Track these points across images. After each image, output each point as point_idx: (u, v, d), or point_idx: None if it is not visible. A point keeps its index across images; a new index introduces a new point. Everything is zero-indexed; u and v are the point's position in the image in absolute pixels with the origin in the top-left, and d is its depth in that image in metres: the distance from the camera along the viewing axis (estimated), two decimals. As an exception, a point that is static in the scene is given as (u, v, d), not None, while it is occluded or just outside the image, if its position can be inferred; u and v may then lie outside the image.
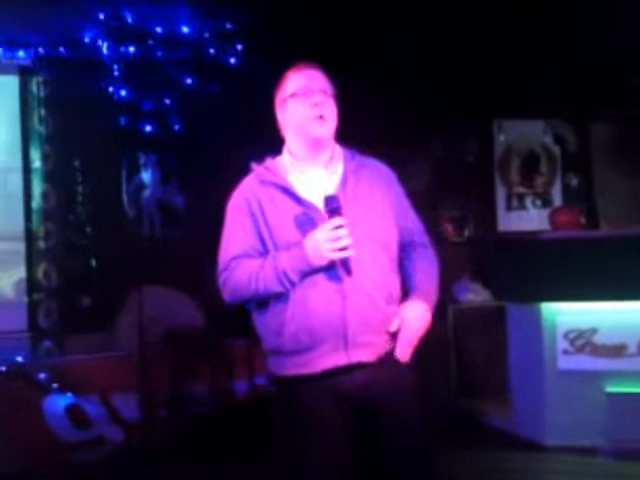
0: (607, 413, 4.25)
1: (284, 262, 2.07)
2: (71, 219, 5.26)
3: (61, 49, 5.12)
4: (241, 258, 2.15)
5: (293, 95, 2.18)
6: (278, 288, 2.09)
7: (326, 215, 2.08)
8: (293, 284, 2.08)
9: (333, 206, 2.06)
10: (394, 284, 2.20)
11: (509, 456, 4.34)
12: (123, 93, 5.17)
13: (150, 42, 5.26)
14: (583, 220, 4.96)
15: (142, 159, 5.39)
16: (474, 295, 5.70)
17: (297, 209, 2.13)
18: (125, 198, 5.36)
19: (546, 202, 6.71)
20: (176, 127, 5.28)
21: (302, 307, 2.08)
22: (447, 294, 5.60)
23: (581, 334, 4.32)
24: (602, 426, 4.25)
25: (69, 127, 5.15)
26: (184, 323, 5.13)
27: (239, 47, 5.39)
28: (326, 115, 2.16)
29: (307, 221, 2.11)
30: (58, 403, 4.49)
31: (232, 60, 5.39)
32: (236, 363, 4.96)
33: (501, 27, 5.40)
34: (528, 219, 6.57)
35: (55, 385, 4.57)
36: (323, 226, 2.06)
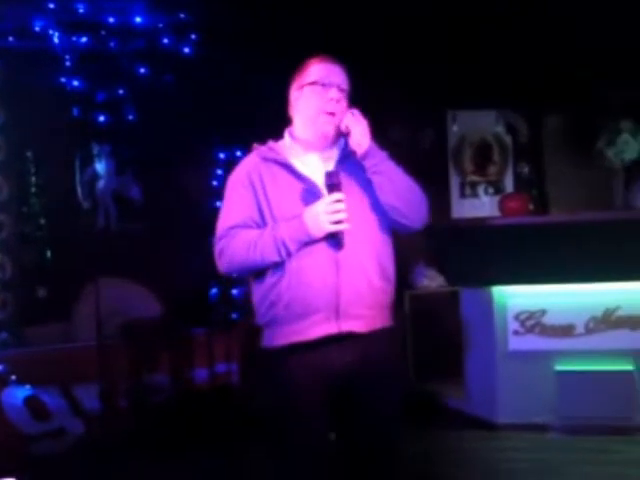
0: (557, 391, 4.37)
1: (283, 232, 2.16)
2: (25, 211, 5.21)
3: (10, 39, 5.04)
4: (239, 228, 2.23)
5: (313, 83, 2.28)
6: (275, 257, 2.16)
7: (325, 191, 2.20)
8: (289, 254, 2.16)
9: (333, 181, 2.18)
10: (387, 261, 2.31)
11: (465, 435, 4.44)
12: (75, 83, 5.11)
13: (103, 32, 5.22)
14: (532, 206, 5.08)
15: (96, 150, 5.35)
16: (429, 281, 5.80)
17: (297, 185, 2.24)
18: (79, 189, 5.32)
19: (498, 190, 6.85)
20: (130, 117, 5.25)
21: (297, 278, 2.17)
22: (403, 280, 5.70)
23: (531, 315, 4.42)
24: (552, 403, 4.37)
25: (21, 118, 5.07)
26: (142, 314, 5.12)
27: (193, 37, 5.37)
28: (337, 112, 2.26)
29: (307, 196, 2.22)
30: (16, 395, 4.44)
31: (186, 50, 5.37)
32: (196, 352, 4.98)
33: (456, 19, 5.46)
34: (481, 206, 6.70)
35: (13, 377, 4.53)
36: (323, 199, 2.17)
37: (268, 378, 2.32)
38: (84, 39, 5.15)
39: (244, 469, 4.08)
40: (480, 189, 6.82)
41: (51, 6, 5.03)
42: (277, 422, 2.29)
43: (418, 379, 5.40)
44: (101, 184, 5.42)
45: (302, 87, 2.30)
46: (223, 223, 2.26)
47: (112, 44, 5.25)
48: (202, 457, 4.26)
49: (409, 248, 5.77)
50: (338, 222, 2.15)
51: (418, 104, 6.08)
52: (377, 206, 2.27)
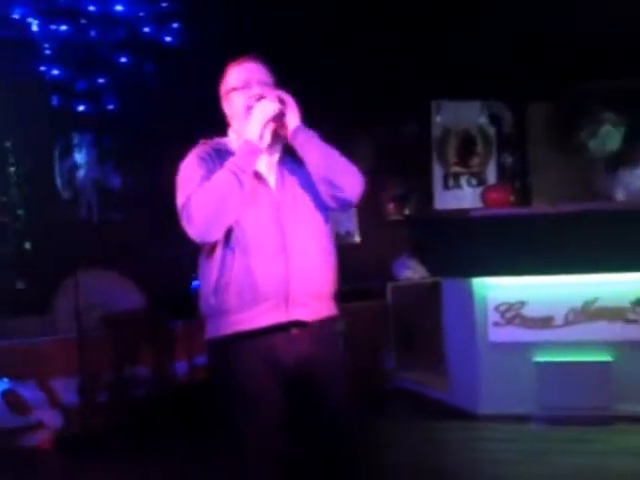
0: (536, 382, 4.41)
1: (232, 158, 2.21)
2: (4, 201, 5.16)
3: (-11, 26, 4.99)
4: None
5: (234, 89, 2.33)
6: (234, 183, 2.17)
7: (272, 187, 2.28)
8: (246, 174, 2.18)
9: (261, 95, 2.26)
10: (332, 253, 2.36)
11: (446, 426, 4.47)
12: (55, 72, 5.06)
13: (83, 21, 5.16)
14: (513, 198, 5.10)
15: (76, 139, 5.31)
16: (412, 272, 5.81)
17: None
18: (59, 179, 5.28)
19: (481, 181, 6.87)
20: (110, 107, 5.20)
21: (247, 267, 2.19)
22: (386, 272, 5.72)
23: (511, 307, 4.44)
24: (532, 394, 4.40)
25: (0, 107, 5.03)
26: (124, 306, 5.09)
27: (175, 26, 5.32)
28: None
29: (255, 185, 2.24)
30: (-6, 389, 4.43)
31: (168, 39, 5.33)
32: (176, 344, 4.96)
33: (439, 9, 5.45)
34: (464, 198, 6.71)
35: (-10, 370, 4.51)
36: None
37: (216, 369, 2.32)
38: (64, 27, 5.08)
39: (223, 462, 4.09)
40: (463, 180, 6.84)
41: (30, -8, 4.97)
42: (229, 412, 2.28)
43: (400, 370, 5.42)
44: (82, 174, 5.38)
45: (227, 94, 2.37)
46: (183, 193, 2.24)
47: (93, 33, 5.18)
48: (184, 449, 4.25)
49: (395, 239, 5.82)
50: (268, 116, 2.22)
51: (401, 95, 6.07)
52: (319, 201, 2.32)
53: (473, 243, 4.41)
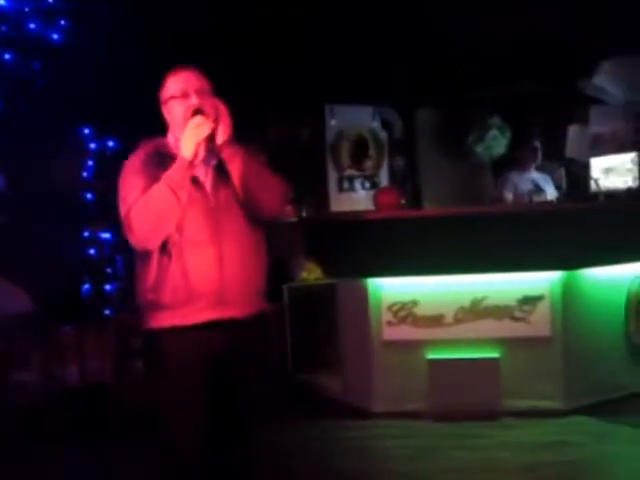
0: (428, 379, 4.52)
1: (169, 172, 2.30)
2: None
3: None
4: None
5: (172, 97, 2.43)
6: (171, 197, 2.27)
7: (208, 191, 2.38)
8: (181, 189, 2.28)
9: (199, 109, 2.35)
10: (261, 250, 2.52)
11: (342, 424, 4.50)
12: None
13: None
14: (403, 200, 5.21)
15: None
16: (308, 273, 5.85)
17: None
18: (-62, 180, 5.00)
19: (374, 184, 7.01)
20: (-6, 105, 4.98)
21: (182, 266, 2.33)
22: (283, 273, 5.73)
23: (403, 306, 4.53)
24: (424, 391, 4.50)
25: None
26: (10, 310, 4.88)
27: (62, 22, 5.15)
28: (204, 113, 2.35)
29: (193, 190, 2.34)
30: None
31: (55, 36, 5.14)
32: (66, 349, 4.83)
33: (331, 16, 5.50)
34: (358, 200, 6.83)
35: None
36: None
37: (150, 357, 2.51)
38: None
39: (117, 468, 3.99)
40: (357, 183, 6.95)
41: None
42: (160, 395, 2.46)
43: (296, 370, 5.44)
44: (-37, 175, 5.12)
45: (166, 102, 2.46)
46: (125, 203, 2.33)
47: (-26, 28, 4.95)
48: (73, 457, 4.13)
49: (290, 241, 5.83)
50: (204, 136, 2.30)
51: (296, 99, 6.11)
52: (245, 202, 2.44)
53: (367, 244, 4.47)
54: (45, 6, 5.12)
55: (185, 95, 2.40)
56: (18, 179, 5.17)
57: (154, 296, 2.37)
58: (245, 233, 2.43)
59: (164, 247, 2.33)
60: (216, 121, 2.34)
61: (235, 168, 2.37)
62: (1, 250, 4.85)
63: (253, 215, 2.44)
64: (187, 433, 2.38)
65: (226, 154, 2.37)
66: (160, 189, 2.27)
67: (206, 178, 2.41)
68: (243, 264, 2.40)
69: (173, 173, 2.29)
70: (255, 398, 2.57)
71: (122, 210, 2.35)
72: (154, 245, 2.31)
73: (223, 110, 2.36)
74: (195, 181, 2.36)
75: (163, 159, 2.37)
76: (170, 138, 2.48)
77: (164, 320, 2.38)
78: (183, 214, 2.31)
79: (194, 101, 2.37)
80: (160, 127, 2.52)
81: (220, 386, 2.43)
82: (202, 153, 2.33)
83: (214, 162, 2.42)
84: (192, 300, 2.34)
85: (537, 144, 5.96)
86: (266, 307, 2.57)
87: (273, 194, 2.46)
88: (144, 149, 2.45)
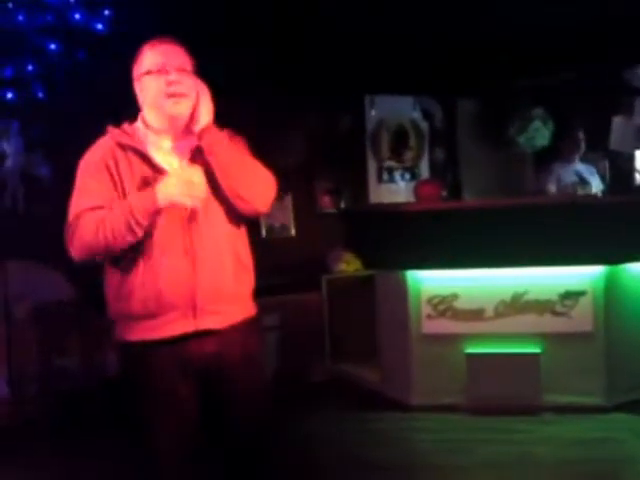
0: (466, 373, 4.49)
1: (131, 200, 2.07)
2: None
3: None
4: (93, 210, 2.10)
5: (148, 72, 2.16)
6: (126, 231, 2.05)
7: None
8: (141, 227, 2.04)
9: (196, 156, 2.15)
10: (244, 250, 2.26)
11: (380, 417, 4.51)
12: (-19, 59, 4.88)
13: (10, 5, 4.98)
14: (445, 192, 5.18)
15: (2, 127, 5.13)
16: (346, 265, 5.85)
17: (151, 174, 2.14)
18: (-18, 168, 5.10)
19: (414, 175, 6.95)
20: (40, 95, 5.04)
21: (152, 274, 2.10)
22: (321, 265, 5.74)
23: (443, 299, 4.51)
24: (462, 385, 4.49)
25: None
26: (52, 298, 4.98)
27: (106, 13, 5.19)
28: (182, 93, 2.14)
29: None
30: None
31: (99, 26, 5.19)
32: (106, 337, 4.89)
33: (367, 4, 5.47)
34: (397, 192, 6.79)
35: None
36: (180, 170, 2.09)
37: (125, 371, 2.27)
38: (-11, 12, 4.90)
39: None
40: (397, 174, 6.91)
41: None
42: (139, 414, 2.23)
43: (335, 362, 5.45)
44: (8, 163, 5.21)
45: (140, 77, 2.19)
46: (75, 208, 2.13)
47: (20, 18, 5.01)
48: (114, 443, 4.18)
49: (329, 232, 5.84)
50: (192, 197, 2.06)
51: (336, 89, 6.09)
52: (232, 204, 2.19)
53: (406, 237, 4.46)
54: (90, -4, 5.17)
55: (163, 70, 2.13)
56: (62, 169, 5.25)
57: (122, 305, 2.14)
58: (225, 235, 2.18)
59: (131, 251, 2.09)
60: (196, 103, 2.12)
61: (216, 159, 2.12)
62: (43, 239, 4.94)
63: (236, 212, 2.19)
64: (167, 450, 2.17)
65: (206, 142, 2.13)
66: (117, 218, 2.03)
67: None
68: (221, 271, 2.14)
69: (138, 202, 2.04)
70: (261, 405, 2.29)
71: (70, 213, 2.13)
72: (92, 260, 2.12)
73: (205, 92, 2.14)
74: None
75: (126, 154, 2.14)
76: (139, 124, 2.23)
77: (135, 333, 2.15)
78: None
79: (173, 77, 2.12)
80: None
81: (210, 402, 2.21)
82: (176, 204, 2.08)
83: (189, 154, 2.19)
84: (163, 311, 2.09)
85: (580, 135, 5.85)
86: (255, 313, 2.29)
87: (259, 189, 2.17)
88: (104, 144, 2.20)
